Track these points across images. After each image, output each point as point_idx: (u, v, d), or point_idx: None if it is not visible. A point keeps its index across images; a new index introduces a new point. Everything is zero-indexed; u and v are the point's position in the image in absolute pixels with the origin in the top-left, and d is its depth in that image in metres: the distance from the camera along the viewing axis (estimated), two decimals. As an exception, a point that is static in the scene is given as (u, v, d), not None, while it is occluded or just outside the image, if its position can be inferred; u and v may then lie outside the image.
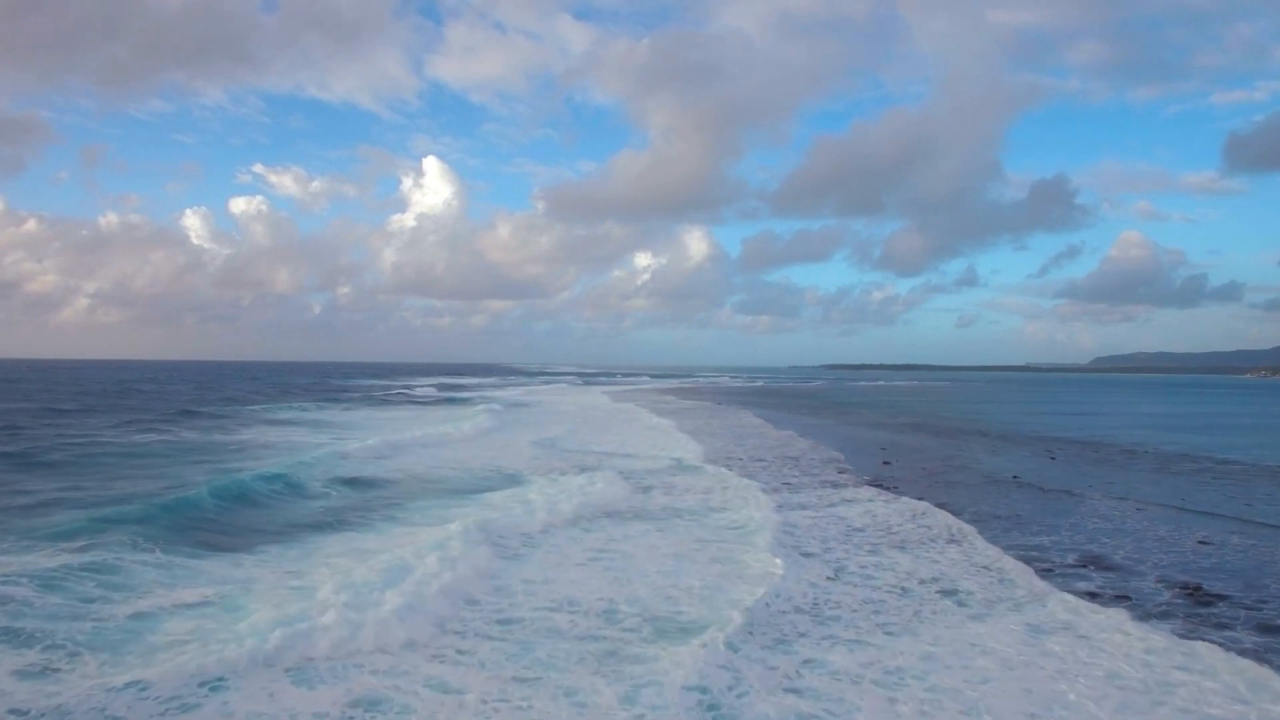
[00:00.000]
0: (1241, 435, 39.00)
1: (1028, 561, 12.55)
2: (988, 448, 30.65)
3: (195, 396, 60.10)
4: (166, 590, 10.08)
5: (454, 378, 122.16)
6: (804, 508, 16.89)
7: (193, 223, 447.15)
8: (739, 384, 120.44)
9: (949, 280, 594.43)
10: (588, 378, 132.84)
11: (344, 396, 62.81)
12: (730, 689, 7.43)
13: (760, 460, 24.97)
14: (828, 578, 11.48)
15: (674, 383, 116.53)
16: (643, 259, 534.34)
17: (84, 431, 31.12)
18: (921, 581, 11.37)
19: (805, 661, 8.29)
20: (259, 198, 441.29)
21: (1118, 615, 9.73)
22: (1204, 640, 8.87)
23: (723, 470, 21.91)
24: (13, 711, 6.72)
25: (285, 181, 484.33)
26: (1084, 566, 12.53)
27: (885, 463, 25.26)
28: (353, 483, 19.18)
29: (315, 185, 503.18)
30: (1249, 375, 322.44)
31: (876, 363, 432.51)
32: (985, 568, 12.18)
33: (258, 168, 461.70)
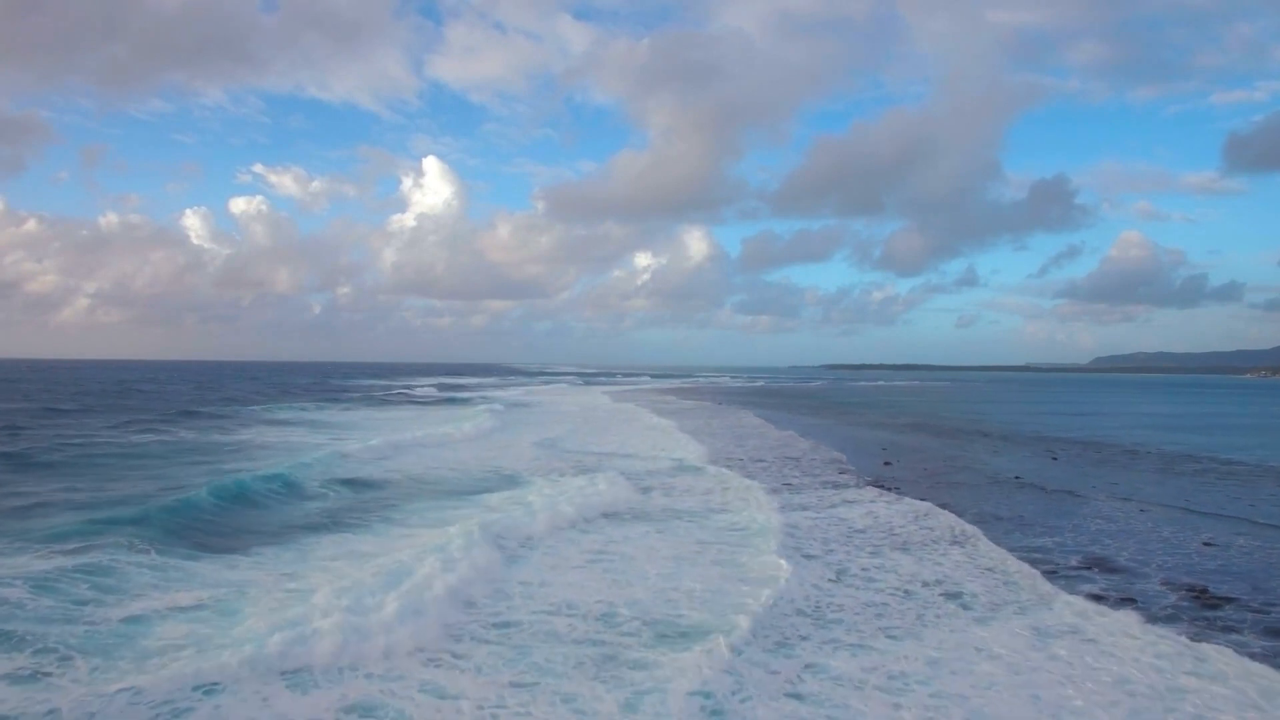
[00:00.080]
0: (1243, 435, 38.87)
1: (1031, 563, 12.43)
2: (989, 448, 30.53)
3: (195, 396, 59.99)
4: (161, 593, 9.95)
5: (454, 378, 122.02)
6: (805, 509, 16.77)
7: (193, 223, 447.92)
8: (739, 384, 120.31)
9: (949, 280, 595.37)
10: (588, 378, 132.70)
11: (344, 396, 62.68)
12: (734, 694, 7.31)
13: (760, 461, 24.86)
14: (829, 580, 11.36)
15: (674, 383, 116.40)
16: (643, 259, 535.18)
17: (83, 432, 31.00)
18: (925, 584, 11.24)
19: (807, 666, 8.16)
20: (259, 198, 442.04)
21: (1125, 618, 9.62)
22: (1212, 644, 8.75)
23: (724, 471, 21.79)
24: (3, 718, 6.61)
25: (285, 181, 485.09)
26: (1088, 568, 12.41)
27: (886, 463, 25.14)
28: (352, 484, 19.05)
29: (315, 185, 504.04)
30: (1249, 375, 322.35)
31: (876, 363, 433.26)
32: (989, 570, 12.06)
33: (258, 168, 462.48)
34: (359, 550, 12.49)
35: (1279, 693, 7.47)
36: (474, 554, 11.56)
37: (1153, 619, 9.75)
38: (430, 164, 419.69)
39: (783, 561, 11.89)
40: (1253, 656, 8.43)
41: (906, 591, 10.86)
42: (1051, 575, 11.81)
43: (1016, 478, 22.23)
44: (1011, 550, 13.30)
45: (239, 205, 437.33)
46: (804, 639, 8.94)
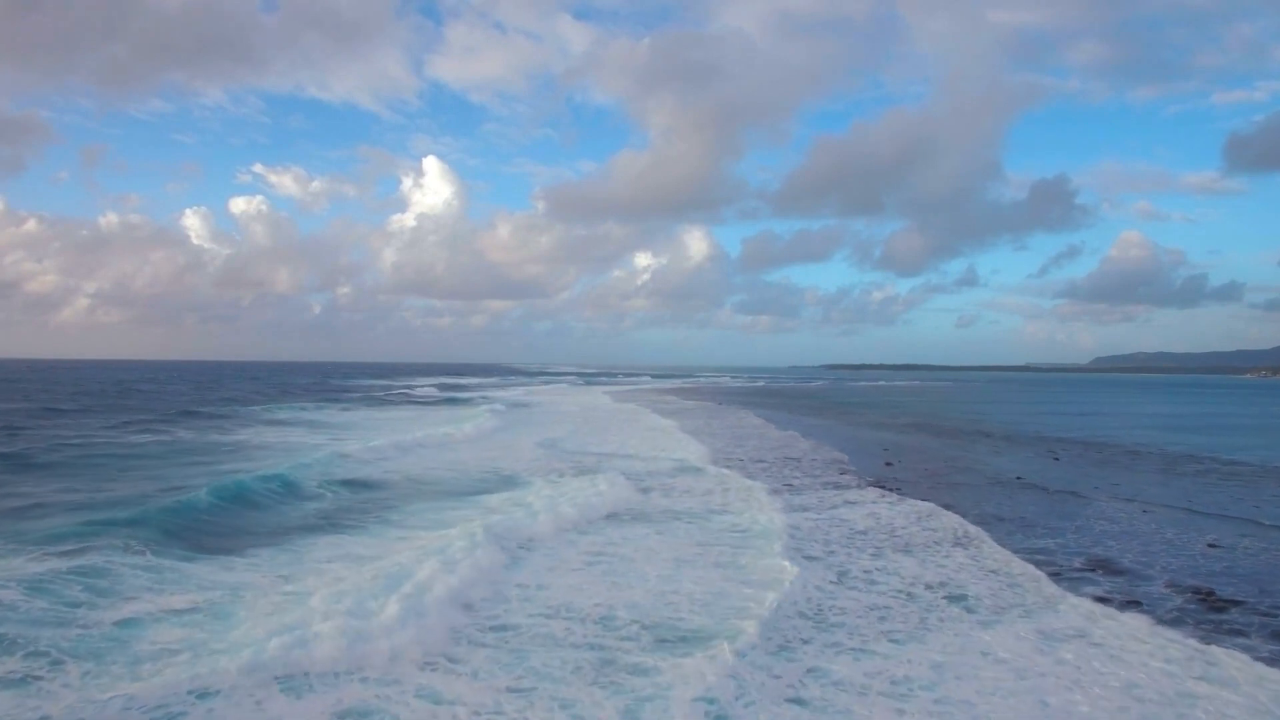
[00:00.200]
0: (1245, 436, 38.76)
1: (1035, 565, 12.31)
2: (990, 448, 30.42)
3: (195, 397, 59.89)
4: (155, 595, 9.83)
5: (454, 378, 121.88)
6: (806, 509, 16.65)
7: (193, 223, 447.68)
8: (740, 384, 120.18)
9: (949, 280, 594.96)
10: (588, 378, 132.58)
11: (344, 397, 62.58)
12: (736, 698, 7.18)
13: (761, 461, 24.74)
14: (831, 582, 11.24)
15: (675, 383, 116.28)
16: (643, 259, 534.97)
17: (81, 432, 30.90)
18: (928, 586, 11.11)
19: (809, 670, 8.04)
20: (259, 198, 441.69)
21: (1132, 622, 9.50)
22: (1223, 648, 8.63)
23: (725, 472, 21.67)
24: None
25: (285, 181, 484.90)
26: (1092, 570, 12.29)
27: (888, 464, 25.02)
28: (351, 485, 18.92)
29: (315, 185, 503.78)
30: (1249, 375, 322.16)
31: (876, 363, 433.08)
32: (993, 572, 11.93)
33: (258, 168, 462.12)
34: (356, 553, 12.37)
35: (1291, 699, 7.35)
36: (475, 556, 11.42)
37: (1160, 622, 9.62)
38: (430, 164, 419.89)
39: (786, 564, 11.76)
40: (1262, 661, 8.30)
41: (909, 594, 10.74)
42: (1055, 577, 11.69)
43: (1018, 478, 22.12)
44: (1015, 552, 13.19)
45: (239, 205, 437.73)
46: (806, 642, 8.82)
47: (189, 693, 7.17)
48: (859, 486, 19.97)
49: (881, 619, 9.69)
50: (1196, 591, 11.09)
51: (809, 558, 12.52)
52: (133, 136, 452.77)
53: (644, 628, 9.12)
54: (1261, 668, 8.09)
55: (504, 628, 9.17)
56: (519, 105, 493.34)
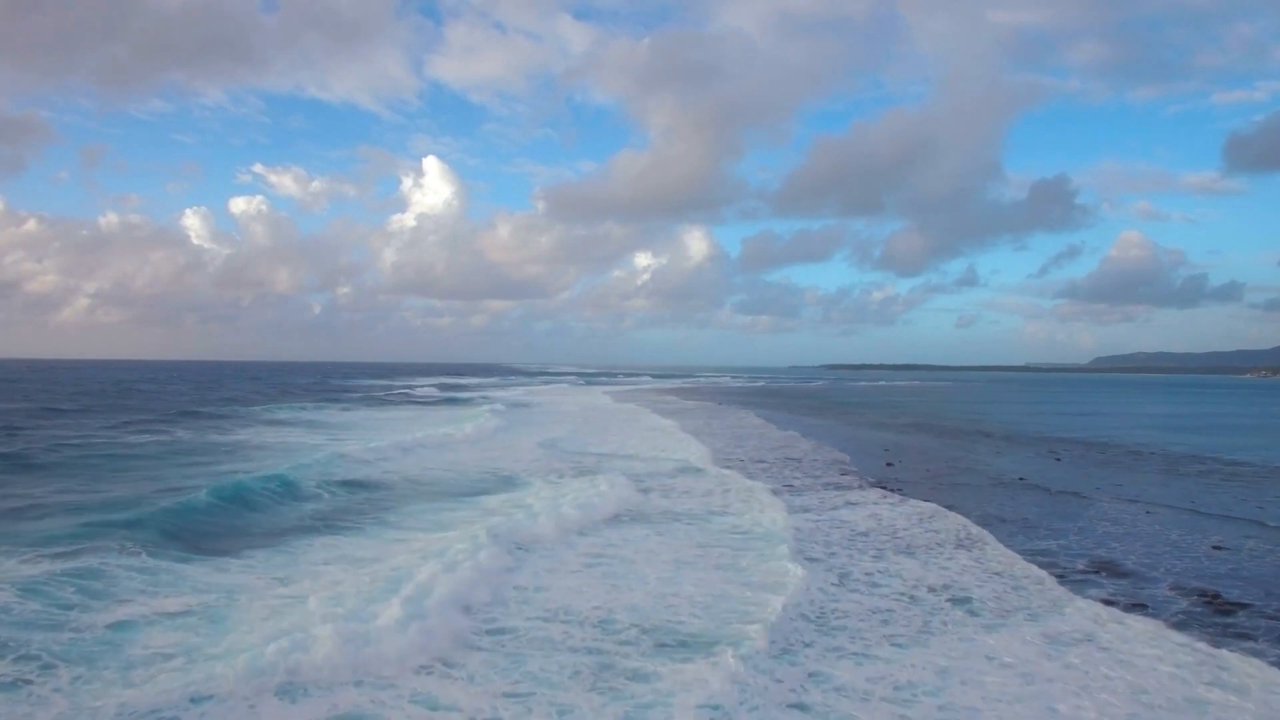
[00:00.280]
0: (1247, 436, 38.65)
1: (1038, 567, 12.18)
2: (991, 449, 30.31)
3: (195, 397, 59.80)
4: (149, 598, 9.72)
5: (454, 378, 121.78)
6: (807, 510, 16.53)
7: (193, 223, 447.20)
8: (740, 384, 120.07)
9: (949, 280, 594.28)
10: (589, 378, 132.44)
11: (345, 397, 62.49)
12: (740, 704, 7.06)
13: (761, 462, 24.63)
14: (833, 584, 11.11)
15: (675, 383, 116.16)
16: (643, 259, 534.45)
17: (80, 432, 30.80)
18: (930, 589, 10.99)
19: (811, 675, 7.92)
20: (259, 198, 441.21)
21: (1139, 626, 9.36)
22: (1233, 652, 8.51)
23: (726, 472, 21.55)
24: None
25: (285, 181, 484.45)
26: (1096, 573, 12.17)
27: (889, 464, 24.91)
28: (351, 486, 18.79)
29: (315, 185, 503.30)
30: (1249, 375, 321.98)
31: (876, 363, 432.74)
32: (997, 574, 11.80)
33: (258, 168, 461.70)
34: (353, 554, 12.27)
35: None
36: (476, 559, 11.27)
37: (1167, 626, 9.48)
38: (430, 164, 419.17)
39: (788, 566, 11.64)
40: (1275, 666, 8.16)
41: (912, 597, 10.62)
42: (1059, 580, 11.56)
43: (1020, 479, 22.00)
44: (1018, 554, 13.06)
45: (239, 205, 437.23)
46: (808, 646, 8.70)
47: (183, 698, 7.05)
48: (860, 487, 19.86)
49: (884, 622, 9.56)
50: (1202, 594, 10.97)
51: (810, 559, 12.40)
52: (133, 136, 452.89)
53: (644, 631, 8.99)
54: (1275, 673, 7.95)
55: (501, 631, 9.04)
56: (519, 105, 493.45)
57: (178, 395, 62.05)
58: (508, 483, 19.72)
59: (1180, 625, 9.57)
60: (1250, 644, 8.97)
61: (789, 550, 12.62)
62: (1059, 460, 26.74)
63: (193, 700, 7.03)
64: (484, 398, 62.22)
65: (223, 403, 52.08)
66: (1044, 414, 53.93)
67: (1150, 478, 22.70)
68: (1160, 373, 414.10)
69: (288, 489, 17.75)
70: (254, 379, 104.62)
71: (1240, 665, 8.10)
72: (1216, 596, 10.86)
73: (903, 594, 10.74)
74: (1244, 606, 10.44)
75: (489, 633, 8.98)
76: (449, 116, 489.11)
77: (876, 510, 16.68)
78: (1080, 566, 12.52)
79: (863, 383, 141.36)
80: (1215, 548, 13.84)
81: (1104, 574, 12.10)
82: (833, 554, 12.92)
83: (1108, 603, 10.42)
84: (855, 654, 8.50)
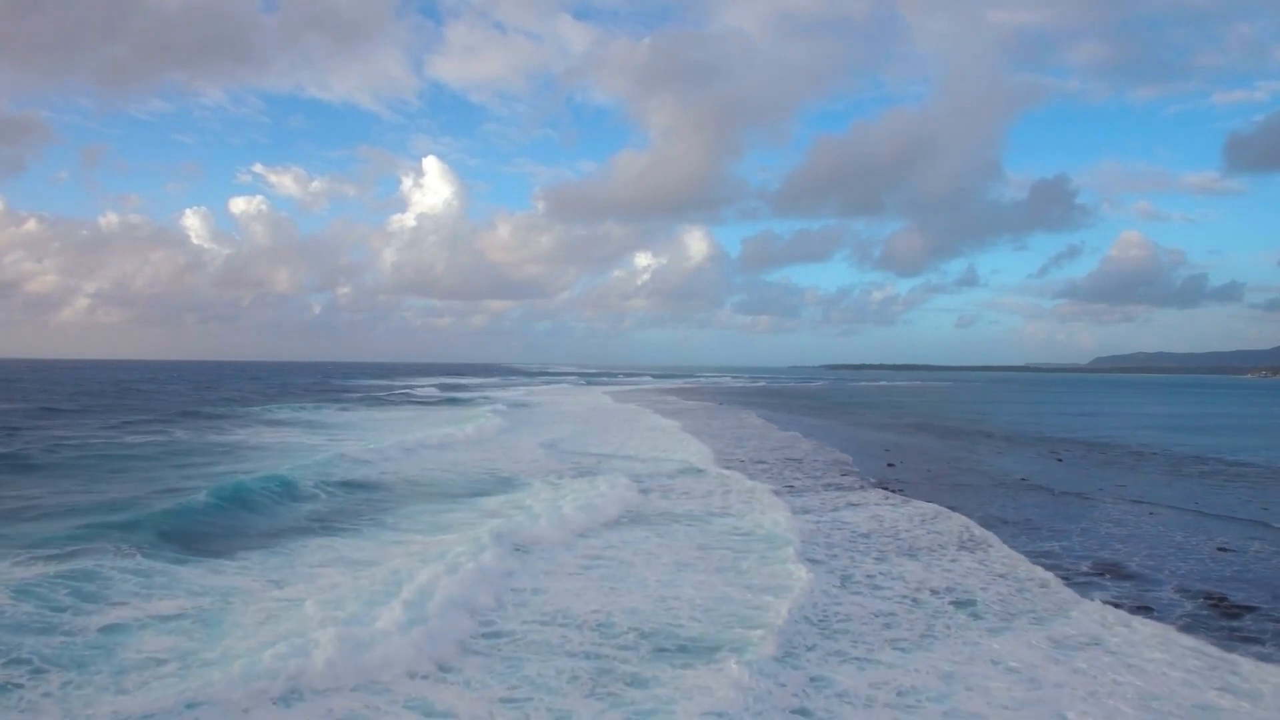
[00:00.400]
0: (1248, 436, 38.53)
1: (1043, 569, 12.05)
2: (993, 449, 30.19)
3: (194, 397, 59.71)
4: (143, 601, 9.59)
5: (455, 378, 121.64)
6: (808, 511, 16.40)
7: (193, 223, 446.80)
8: (740, 384, 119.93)
9: (949, 280, 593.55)
10: (589, 378, 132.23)
11: (345, 397, 62.38)
12: (744, 709, 6.94)
13: (763, 463, 24.51)
14: (835, 586, 10.99)
15: (676, 383, 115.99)
16: (643, 259, 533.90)
17: (79, 432, 30.70)
18: (934, 592, 10.85)
19: (812, 679, 7.80)
20: (259, 198, 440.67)
21: (1147, 630, 9.22)
22: (1245, 655, 8.38)
23: (728, 473, 21.42)
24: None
25: (285, 181, 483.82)
26: (1100, 575, 12.05)
27: (890, 465, 24.79)
28: (353, 487, 18.66)
29: (315, 185, 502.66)
30: (1249, 375, 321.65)
31: (876, 363, 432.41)
32: (1001, 576, 11.66)
33: (258, 168, 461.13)
34: (350, 557, 12.14)
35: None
36: (479, 561, 11.14)
37: (1176, 630, 9.33)
38: (430, 164, 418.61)
39: (791, 568, 11.51)
40: (1281, 671, 8.05)
41: (915, 600, 10.48)
42: (1063, 582, 11.43)
43: (1022, 479, 21.88)
44: (1022, 555, 12.93)
45: (239, 205, 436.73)
46: (810, 649, 8.57)
47: (177, 704, 6.93)
48: (862, 488, 19.74)
49: (887, 625, 9.43)
50: (1208, 597, 10.85)
51: (812, 561, 12.27)
52: (133, 136, 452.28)
53: (642, 635, 8.86)
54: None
55: (498, 634, 8.92)
56: (519, 105, 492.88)
57: (177, 395, 61.95)
58: (508, 484, 19.59)
59: (1187, 628, 9.43)
60: (1259, 648, 8.83)
61: (794, 553, 12.46)
62: (1061, 461, 26.62)
63: (188, 706, 6.92)
64: (485, 398, 62.10)
65: (222, 403, 51.98)
66: (1045, 414, 53.81)
67: (1153, 478, 22.58)
68: (1160, 373, 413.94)
69: (286, 490, 17.62)
70: (254, 379, 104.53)
71: (1252, 670, 7.97)
72: (1223, 599, 10.73)
73: (905, 596, 10.61)
74: (1251, 610, 10.31)
75: (485, 636, 8.85)
76: (449, 116, 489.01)
77: (878, 511, 16.56)
78: (1084, 568, 12.39)
79: (863, 383, 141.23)
80: (1220, 549, 13.72)
81: (1108, 576, 11.98)
82: (834, 556, 12.79)
83: (1114, 606, 10.28)
84: (858, 658, 8.37)
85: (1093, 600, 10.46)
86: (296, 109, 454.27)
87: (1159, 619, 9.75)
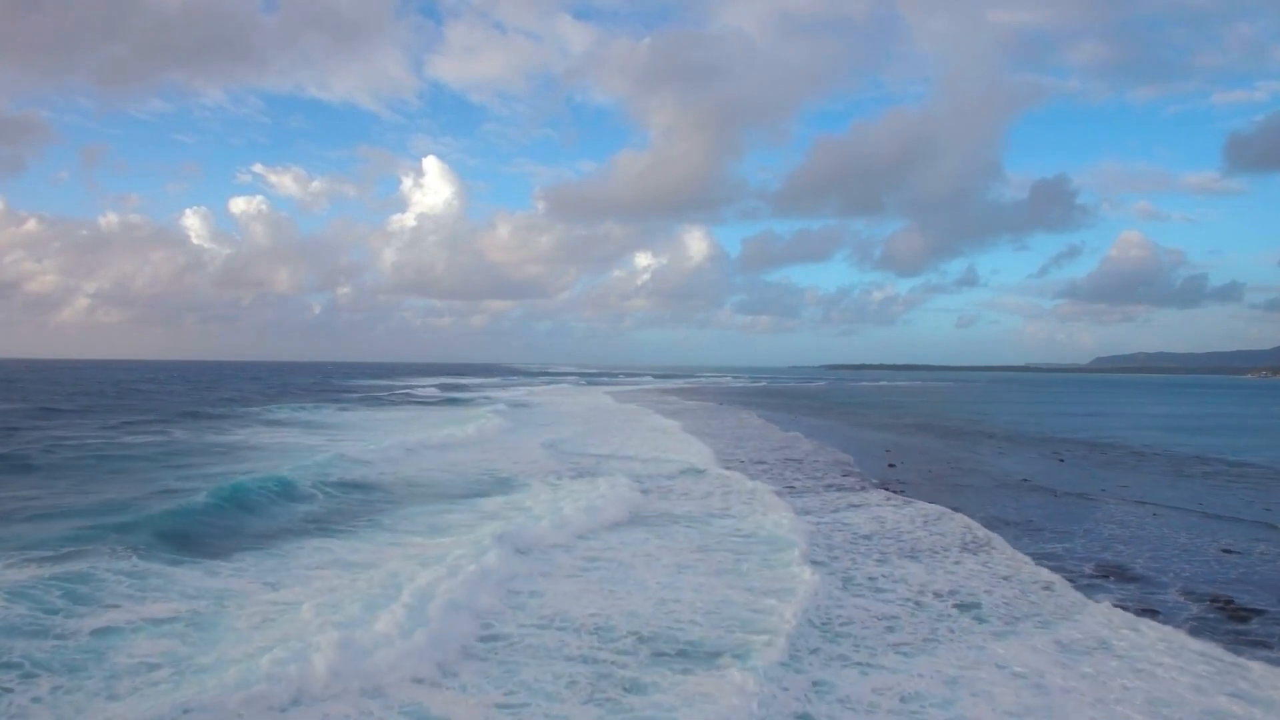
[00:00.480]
0: (1250, 437, 38.42)
1: (1048, 571, 11.93)
2: (994, 449, 30.08)
3: (194, 397, 59.59)
4: (136, 604, 9.47)
5: (455, 378, 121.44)
6: (809, 512, 16.28)
7: (193, 223, 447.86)
8: (741, 384, 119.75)
9: (949, 280, 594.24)
10: (590, 378, 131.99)
11: (345, 397, 62.24)
12: (749, 716, 6.82)
13: (763, 463, 24.40)
14: (836, 589, 10.87)
15: (676, 383, 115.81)
16: (643, 259, 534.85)
17: (78, 433, 30.60)
18: (937, 594, 10.73)
19: (815, 684, 7.68)
20: (259, 198, 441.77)
21: (1154, 633, 9.10)
22: (1255, 660, 8.26)
23: (730, 474, 21.29)
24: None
25: (285, 181, 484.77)
26: (1105, 577, 11.93)
27: (891, 465, 24.67)
28: (352, 488, 18.52)
29: (315, 185, 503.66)
30: (1249, 375, 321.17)
31: (876, 363, 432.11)
32: (1005, 578, 11.54)
33: (258, 168, 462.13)
34: (347, 559, 12.02)
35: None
36: (481, 563, 11.01)
37: (1183, 633, 9.21)
38: (430, 164, 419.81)
39: (797, 571, 11.38)
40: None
41: (918, 602, 10.36)
42: (1068, 585, 11.31)
43: (1024, 480, 21.77)
44: (1026, 557, 12.81)
45: (239, 205, 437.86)
46: (812, 652, 8.45)
47: (172, 709, 6.81)
48: (863, 489, 19.62)
49: (890, 629, 9.31)
50: (1214, 600, 10.73)
51: (813, 563, 12.14)
52: (133, 136, 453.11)
53: (641, 639, 8.72)
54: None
55: (495, 638, 8.79)
56: (519, 105, 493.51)
57: (177, 395, 61.83)
58: (508, 484, 19.47)
59: (1195, 632, 9.30)
60: (1268, 652, 8.70)
61: (799, 555, 12.31)
62: (1062, 461, 26.50)
63: (183, 712, 6.79)
64: (485, 398, 61.96)
65: (222, 403, 51.86)
66: (1045, 414, 53.69)
67: (1156, 479, 22.46)
68: (1160, 373, 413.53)
69: (285, 490, 17.48)
70: (254, 379, 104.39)
71: (1263, 675, 7.85)
72: (1230, 602, 10.61)
73: (909, 599, 10.49)
74: (1258, 613, 10.18)
75: (482, 640, 8.73)
76: (449, 116, 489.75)
77: (880, 512, 16.44)
78: (1088, 570, 12.28)
79: (863, 383, 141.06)
80: (1225, 551, 13.60)
81: (1113, 578, 11.86)
82: (835, 557, 12.67)
83: (1119, 608, 10.15)
84: (860, 663, 8.25)
85: (1098, 603, 10.35)
86: (296, 109, 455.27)
87: (1166, 622, 9.64)
